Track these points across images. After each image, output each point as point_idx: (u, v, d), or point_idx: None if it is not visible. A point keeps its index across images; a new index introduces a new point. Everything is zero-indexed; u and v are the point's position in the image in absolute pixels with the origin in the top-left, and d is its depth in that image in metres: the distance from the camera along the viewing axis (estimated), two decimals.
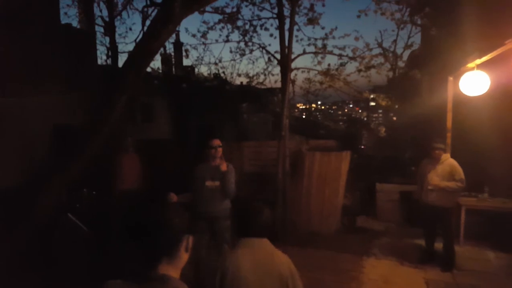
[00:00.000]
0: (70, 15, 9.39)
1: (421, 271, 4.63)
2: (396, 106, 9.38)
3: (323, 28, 6.70)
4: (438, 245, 4.83)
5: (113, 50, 8.56)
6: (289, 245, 5.00)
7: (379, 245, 5.66)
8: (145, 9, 7.74)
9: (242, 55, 7.20)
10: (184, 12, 3.66)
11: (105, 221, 5.05)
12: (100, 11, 8.48)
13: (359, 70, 6.72)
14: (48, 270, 3.72)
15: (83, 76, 7.18)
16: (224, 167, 4.00)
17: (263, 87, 8.35)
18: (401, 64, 8.51)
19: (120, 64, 8.73)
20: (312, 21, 6.47)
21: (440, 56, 6.99)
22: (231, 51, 7.32)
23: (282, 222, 5.97)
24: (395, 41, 9.64)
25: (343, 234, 6.27)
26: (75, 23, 8.61)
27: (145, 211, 1.45)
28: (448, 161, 4.66)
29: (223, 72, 9.03)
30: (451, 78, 5.17)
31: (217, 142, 4.10)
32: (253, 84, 8.06)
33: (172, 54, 10.85)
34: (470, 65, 4.03)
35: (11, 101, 5.50)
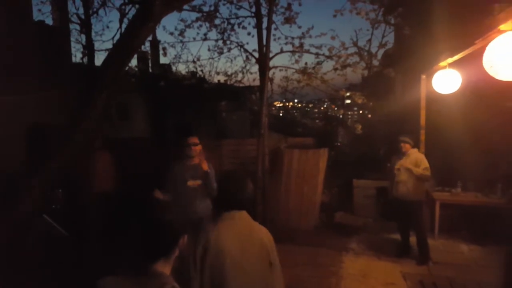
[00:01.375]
0: (44, 12, 9.01)
1: (398, 264, 4.75)
2: (371, 104, 9.58)
3: (300, 27, 6.76)
4: (414, 239, 4.96)
5: (89, 48, 8.31)
6: None
7: (357, 240, 5.76)
8: (123, 7, 7.57)
9: (220, 53, 7.18)
10: (164, 10, 3.60)
11: (81, 222, 4.92)
12: (76, 8, 8.19)
13: (336, 69, 6.83)
14: (24, 272, 3.58)
15: (57, 74, 6.94)
16: (205, 166, 3.96)
17: (241, 85, 8.34)
18: (375, 62, 8.67)
19: (97, 62, 8.48)
20: (289, 20, 6.52)
21: (413, 55, 7.17)
22: (209, 49, 7.35)
23: (262, 219, 5.98)
24: (369, 40, 9.78)
25: (322, 230, 6.36)
26: (49, 21, 8.29)
27: (145, 211, 1.47)
28: (414, 154, 4.84)
29: (201, 70, 8.97)
30: (423, 77, 5.31)
31: (193, 140, 4.02)
32: (232, 82, 8.04)
33: (149, 52, 10.64)
34: (442, 63, 4.15)
35: None
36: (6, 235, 3.47)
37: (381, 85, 9.08)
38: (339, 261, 4.96)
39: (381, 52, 9.15)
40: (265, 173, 6.13)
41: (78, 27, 8.19)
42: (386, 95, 9.24)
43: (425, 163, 4.73)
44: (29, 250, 3.86)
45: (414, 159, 4.78)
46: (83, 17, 8.02)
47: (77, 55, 8.84)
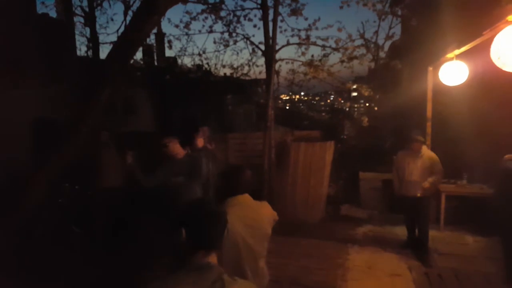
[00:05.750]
0: (48, 4, 9.06)
1: (403, 256, 4.76)
2: (377, 96, 9.52)
3: (306, 19, 6.75)
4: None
5: (93, 41, 8.34)
6: (276, 235, 5.04)
7: (363, 233, 5.78)
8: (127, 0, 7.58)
9: (226, 46, 7.19)
10: (168, 2, 3.61)
11: (88, 216, 4.99)
12: (80, 1, 8.22)
13: (342, 61, 6.80)
14: (33, 266, 3.66)
15: (62, 68, 6.97)
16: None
17: (247, 78, 8.33)
18: (382, 54, 8.62)
19: (102, 55, 8.52)
20: (295, 12, 6.48)
21: (420, 46, 7.09)
22: (215, 42, 7.28)
23: None
24: (376, 32, 9.71)
25: (328, 222, 6.38)
26: (53, 13, 8.33)
27: (201, 204, 1.56)
28: (427, 154, 4.68)
29: (207, 63, 8.95)
30: (430, 68, 5.27)
31: (167, 139, 3.91)
32: (238, 75, 8.03)
33: (154, 45, 10.66)
34: (449, 55, 4.11)
35: None
36: (14, 228, 3.55)
37: (387, 77, 8.99)
38: (345, 253, 4.98)
39: (388, 44, 9.10)
40: (271, 166, 6.15)
41: (82, 20, 8.20)
42: (393, 87, 9.15)
43: (438, 164, 4.60)
44: (37, 243, 3.93)
45: (428, 161, 4.61)
46: (87, 9, 8.03)
47: (81, 49, 8.87)
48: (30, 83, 5.97)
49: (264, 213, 2.24)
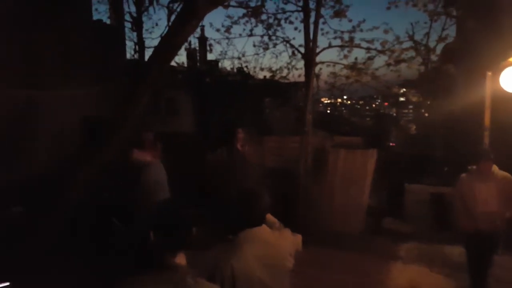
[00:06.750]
0: (100, 11, 9.62)
1: (451, 279, 4.35)
2: (428, 102, 9.02)
3: (350, 20, 6.48)
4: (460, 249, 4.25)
5: (140, 45, 8.72)
6: (310, 245, 4.84)
7: (407, 249, 5.41)
8: (171, 5, 7.82)
9: (266, 49, 7.16)
10: (207, 7, 3.62)
11: (130, 213, 5.08)
12: (128, 6, 8.66)
13: (388, 64, 6.46)
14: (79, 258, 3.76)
15: (113, 70, 7.35)
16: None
17: (286, 81, 8.21)
18: (434, 58, 8.14)
19: (147, 59, 8.88)
20: (339, 14, 6.26)
21: (477, 49, 6.64)
22: (254, 45, 7.27)
23: (304, 219, 5.83)
24: (427, 33, 9.20)
25: (368, 235, 6.08)
26: (105, 19, 8.82)
27: (168, 205, 1.57)
28: (500, 174, 3.65)
29: (246, 67, 8.98)
30: (489, 74, 4.84)
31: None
32: (276, 78, 7.94)
33: (197, 48, 10.93)
34: (511, 59, 3.74)
35: (44, 94, 5.66)
36: (60, 222, 3.70)
37: (439, 82, 8.49)
38: (386, 269, 4.67)
39: (440, 46, 8.60)
40: (307, 172, 5.97)
41: (130, 25, 8.60)
42: (445, 93, 8.61)
43: None
44: (79, 237, 4.04)
45: (502, 182, 3.60)
46: (135, 15, 8.40)
47: (129, 52, 9.31)
48: (83, 83, 6.33)
49: (285, 245, 1.91)
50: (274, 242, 1.85)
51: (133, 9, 8.79)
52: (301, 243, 2.05)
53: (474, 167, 3.70)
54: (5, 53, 5.27)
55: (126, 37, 9.05)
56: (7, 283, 2.96)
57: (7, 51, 5.31)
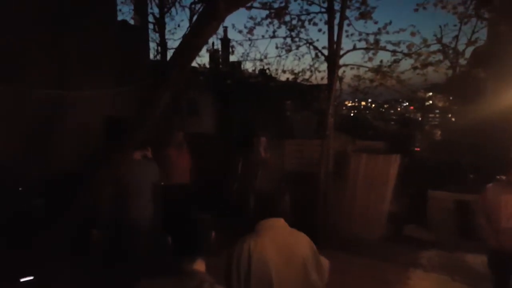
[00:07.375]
0: (124, 12, 9.81)
1: None
2: (456, 107, 8.71)
3: (376, 22, 6.37)
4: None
5: (162, 46, 8.83)
6: (329, 249, 4.79)
7: (428, 257, 5.27)
8: (193, 6, 7.90)
9: (288, 50, 7.10)
10: (228, 8, 3.60)
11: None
12: (151, 7, 8.78)
13: (415, 68, 6.27)
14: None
15: (136, 70, 7.49)
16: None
17: (308, 83, 8.14)
18: (462, 62, 7.86)
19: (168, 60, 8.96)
20: (364, 16, 6.16)
21: (509, 54, 6.35)
22: (277, 47, 7.25)
23: (323, 224, 5.76)
24: (456, 36, 8.92)
25: (388, 242, 5.94)
26: (128, 20, 8.98)
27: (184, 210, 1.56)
28: None
29: (268, 68, 8.97)
30: None
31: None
32: (299, 80, 7.88)
33: (219, 50, 11.00)
34: None
35: (70, 94, 5.85)
36: (78, 215, 3.79)
37: (468, 87, 8.19)
38: (406, 277, 4.59)
39: (469, 50, 8.32)
40: (328, 176, 5.89)
41: (152, 26, 8.70)
42: (474, 98, 8.30)
43: None
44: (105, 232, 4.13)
45: None
46: (157, 16, 8.50)
47: (152, 53, 9.43)
48: (107, 84, 6.49)
49: (302, 242, 1.96)
50: (291, 233, 1.94)
51: (155, 10, 8.93)
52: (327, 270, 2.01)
53: (503, 177, 3.43)
54: (33, 54, 5.44)
55: (150, 38, 9.20)
56: (31, 277, 3.05)
57: (34, 52, 5.48)
